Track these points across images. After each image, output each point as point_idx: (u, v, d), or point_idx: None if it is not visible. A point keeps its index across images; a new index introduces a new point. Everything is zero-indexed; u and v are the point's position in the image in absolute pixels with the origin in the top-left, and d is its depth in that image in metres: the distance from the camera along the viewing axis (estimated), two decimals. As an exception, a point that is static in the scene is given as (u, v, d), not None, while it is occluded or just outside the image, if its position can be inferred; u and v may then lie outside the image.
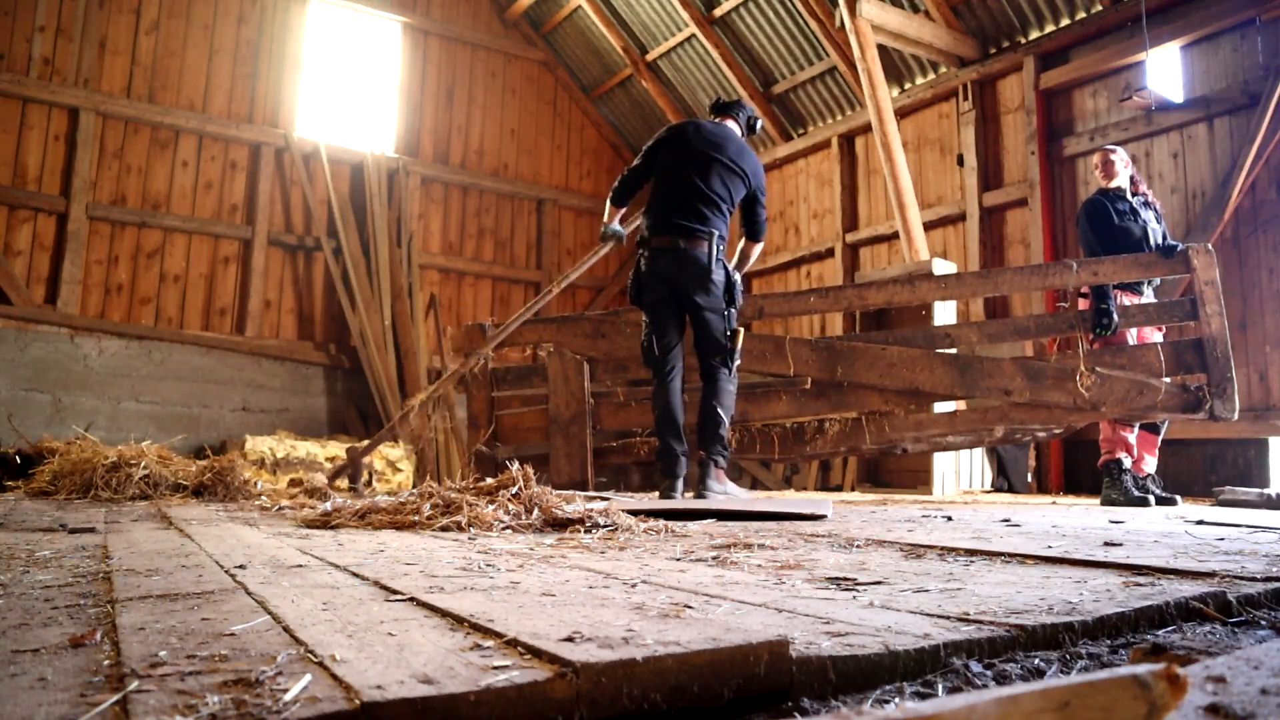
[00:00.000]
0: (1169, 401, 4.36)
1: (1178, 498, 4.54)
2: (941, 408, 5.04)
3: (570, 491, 3.77)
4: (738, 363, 4.21)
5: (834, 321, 8.69)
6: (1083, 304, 4.68)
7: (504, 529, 2.46)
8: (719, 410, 4.13)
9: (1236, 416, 4.37)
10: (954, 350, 4.84)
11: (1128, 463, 4.52)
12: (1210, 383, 4.34)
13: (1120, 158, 4.74)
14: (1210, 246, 4.50)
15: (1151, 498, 4.42)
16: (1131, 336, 4.60)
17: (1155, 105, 6.51)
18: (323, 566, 1.66)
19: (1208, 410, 4.33)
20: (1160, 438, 4.72)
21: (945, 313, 6.76)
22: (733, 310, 4.19)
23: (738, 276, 4.25)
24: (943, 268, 6.85)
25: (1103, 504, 4.51)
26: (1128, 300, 4.61)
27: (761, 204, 4.40)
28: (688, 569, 1.67)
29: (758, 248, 4.49)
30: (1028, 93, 7.35)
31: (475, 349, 5.17)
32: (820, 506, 3.27)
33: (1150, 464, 4.67)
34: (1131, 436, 4.56)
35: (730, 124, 4.43)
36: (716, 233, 4.13)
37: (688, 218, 4.13)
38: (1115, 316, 4.40)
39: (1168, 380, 4.39)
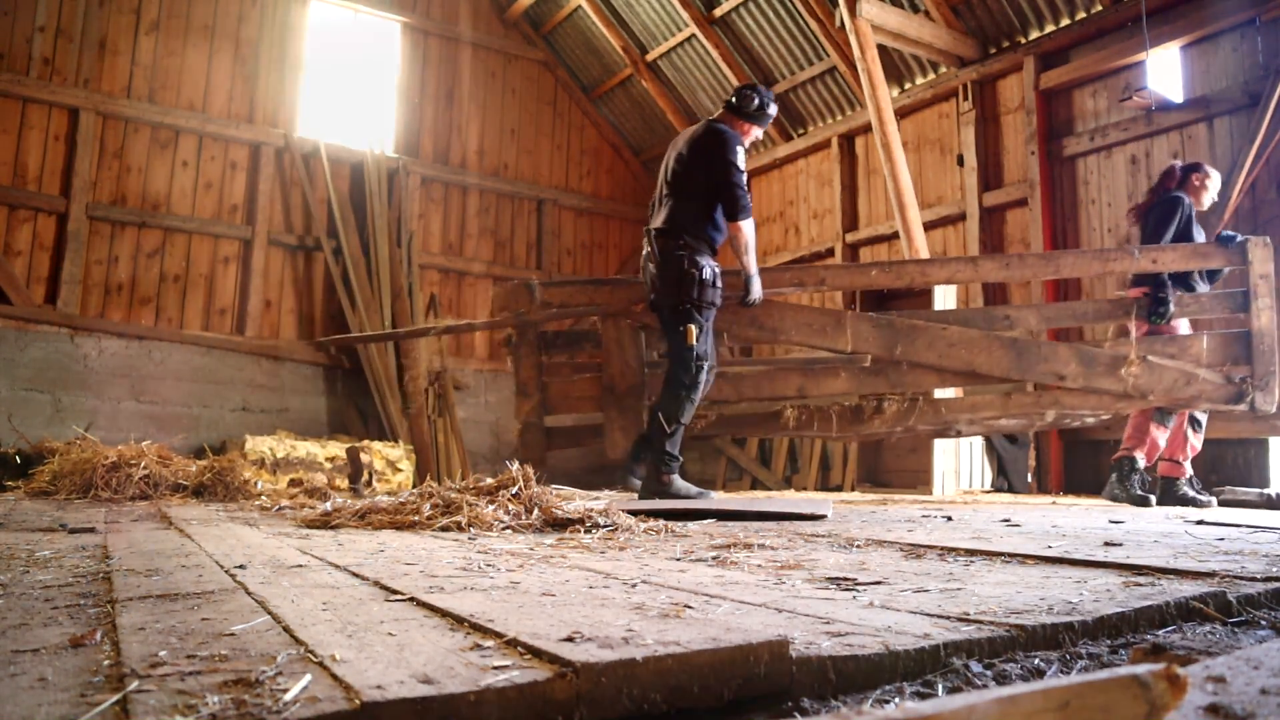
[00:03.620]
0: (1213, 393, 4.36)
1: (1214, 500, 4.52)
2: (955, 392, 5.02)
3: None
4: (702, 363, 3.99)
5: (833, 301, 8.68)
6: (1130, 293, 4.70)
7: (504, 529, 2.46)
8: (657, 415, 4.04)
9: (1275, 409, 4.39)
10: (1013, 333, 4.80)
11: (1141, 462, 4.53)
12: (1254, 375, 4.35)
13: (1215, 184, 4.80)
14: (1268, 240, 4.50)
15: (1152, 498, 4.43)
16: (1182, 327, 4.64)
17: (1155, 105, 6.50)
18: (323, 566, 1.66)
19: (1249, 403, 4.34)
20: (1194, 439, 4.69)
21: (946, 299, 6.71)
22: (689, 306, 3.97)
23: (707, 271, 4.02)
24: (943, 268, 6.82)
25: (1104, 498, 4.51)
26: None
27: (729, 180, 4.09)
28: (688, 569, 1.67)
29: (744, 227, 4.17)
30: (1028, 93, 7.35)
31: (521, 311, 4.81)
32: (820, 506, 3.27)
33: (1186, 467, 4.65)
34: (1162, 439, 4.55)
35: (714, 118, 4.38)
36: (663, 226, 4.09)
37: (651, 221, 4.23)
38: (1172, 305, 4.43)
39: (1209, 371, 4.39)
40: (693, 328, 3.99)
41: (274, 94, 9.16)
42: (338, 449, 7.43)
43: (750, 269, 4.27)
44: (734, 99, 4.30)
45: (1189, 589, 1.37)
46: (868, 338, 4.62)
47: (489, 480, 2.88)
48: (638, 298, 4.62)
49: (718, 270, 4.11)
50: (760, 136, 4.49)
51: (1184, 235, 4.62)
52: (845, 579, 1.53)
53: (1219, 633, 1.20)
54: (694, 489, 4.04)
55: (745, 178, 4.19)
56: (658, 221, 4.16)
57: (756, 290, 4.31)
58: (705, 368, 4.06)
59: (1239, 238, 4.48)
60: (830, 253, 9.16)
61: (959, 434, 4.97)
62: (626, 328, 4.72)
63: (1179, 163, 4.91)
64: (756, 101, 4.30)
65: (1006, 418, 4.79)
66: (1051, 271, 4.91)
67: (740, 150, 4.17)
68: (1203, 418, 4.64)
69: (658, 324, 4.33)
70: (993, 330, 4.62)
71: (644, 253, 4.27)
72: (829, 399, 4.92)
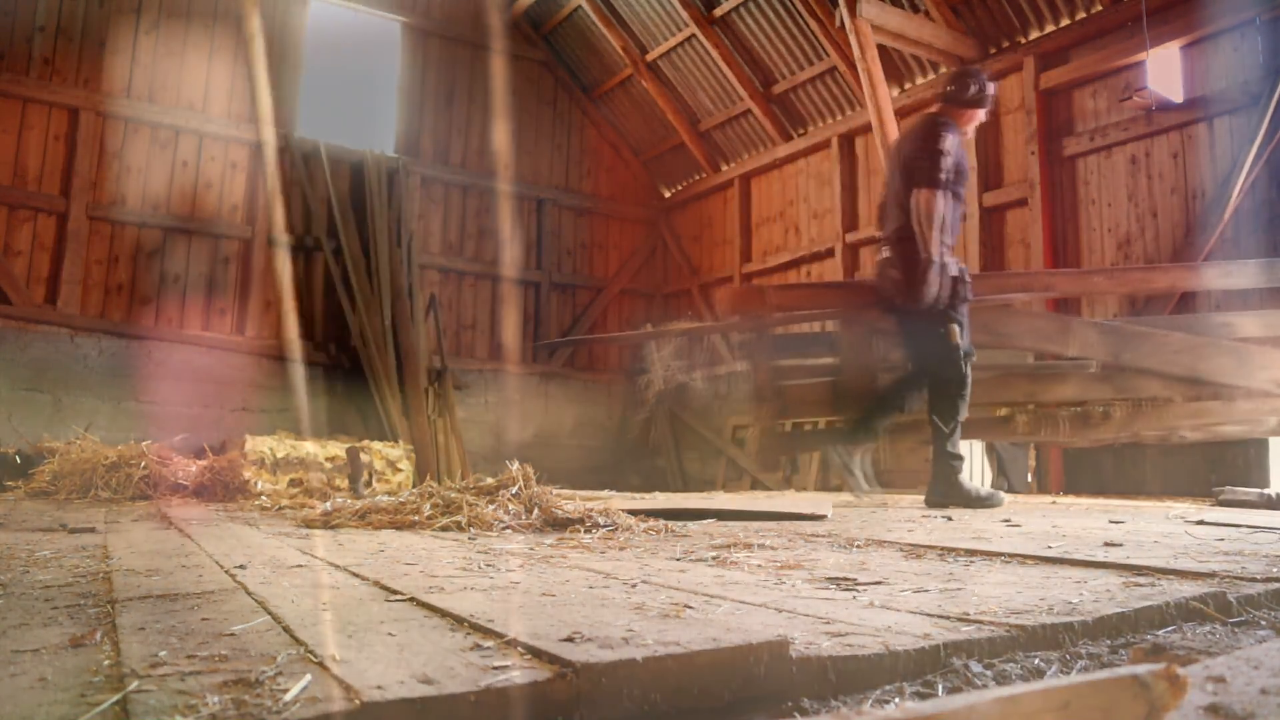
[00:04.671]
0: None
1: None
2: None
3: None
4: (969, 358, 4.03)
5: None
6: None
7: (504, 529, 2.46)
8: (934, 420, 4.12)
9: None
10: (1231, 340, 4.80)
11: None
12: None
13: None
14: None
15: None
16: None
17: (1155, 105, 6.50)
18: (323, 566, 1.66)
19: None
20: None
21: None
22: (945, 307, 3.93)
23: (953, 268, 3.95)
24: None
25: None
26: None
27: (926, 155, 3.97)
28: (688, 569, 1.67)
29: (922, 196, 3.98)
30: (1028, 93, 7.34)
31: (756, 312, 4.84)
32: (820, 506, 3.27)
33: None
34: None
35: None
36: (900, 232, 4.09)
37: (883, 227, 4.27)
38: None
39: None
40: (954, 327, 3.99)
41: (274, 94, 9.15)
42: (338, 449, 7.42)
43: (927, 244, 3.92)
44: (951, 87, 4.23)
45: (1189, 589, 1.37)
46: (1094, 343, 4.68)
47: (489, 480, 2.88)
48: (871, 301, 4.57)
49: (963, 266, 4.08)
50: (984, 119, 4.41)
51: None
52: (845, 579, 1.53)
53: (1219, 633, 1.20)
54: (983, 490, 4.06)
55: (948, 159, 4.05)
56: (892, 227, 4.14)
57: (933, 283, 3.95)
58: (970, 363, 4.09)
59: None
60: (830, 253, 9.16)
61: (1182, 439, 4.98)
62: (861, 332, 4.75)
63: None
64: (974, 87, 4.20)
65: (1230, 424, 4.77)
66: (1266, 280, 4.92)
67: (948, 135, 4.08)
68: None
69: (894, 328, 4.33)
70: (1214, 337, 4.64)
71: (881, 258, 4.26)
72: (1056, 404, 4.94)
